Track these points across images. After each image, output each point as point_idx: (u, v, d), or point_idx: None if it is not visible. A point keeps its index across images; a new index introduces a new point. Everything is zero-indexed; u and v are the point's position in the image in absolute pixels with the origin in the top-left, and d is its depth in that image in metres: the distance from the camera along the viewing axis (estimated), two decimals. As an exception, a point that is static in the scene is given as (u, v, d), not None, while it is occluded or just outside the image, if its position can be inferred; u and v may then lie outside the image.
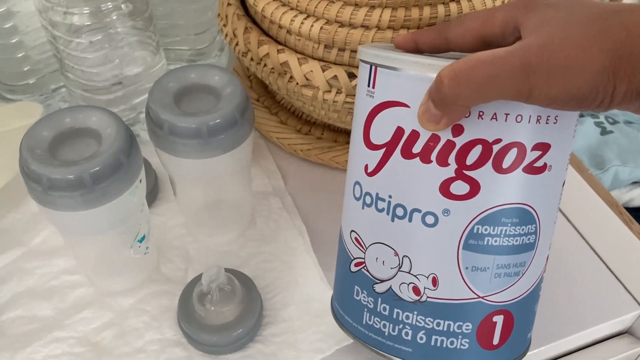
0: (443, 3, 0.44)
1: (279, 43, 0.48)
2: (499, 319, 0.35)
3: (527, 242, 0.34)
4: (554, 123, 0.32)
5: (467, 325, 0.35)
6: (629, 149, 1.11)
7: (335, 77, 0.45)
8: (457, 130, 0.31)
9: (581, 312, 0.48)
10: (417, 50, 0.36)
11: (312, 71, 0.46)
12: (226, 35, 0.53)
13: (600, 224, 0.54)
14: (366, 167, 0.35)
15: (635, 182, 1.13)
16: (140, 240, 0.45)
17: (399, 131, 0.32)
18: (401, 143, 0.33)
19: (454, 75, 0.28)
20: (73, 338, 0.45)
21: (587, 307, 0.48)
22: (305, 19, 0.45)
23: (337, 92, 0.46)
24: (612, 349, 0.49)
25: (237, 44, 0.51)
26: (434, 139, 0.32)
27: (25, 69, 0.60)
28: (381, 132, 0.34)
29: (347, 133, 0.58)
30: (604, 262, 0.51)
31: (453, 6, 0.43)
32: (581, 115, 1.17)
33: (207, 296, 0.43)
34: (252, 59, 0.50)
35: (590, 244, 0.53)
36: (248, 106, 0.44)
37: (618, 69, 0.27)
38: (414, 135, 0.32)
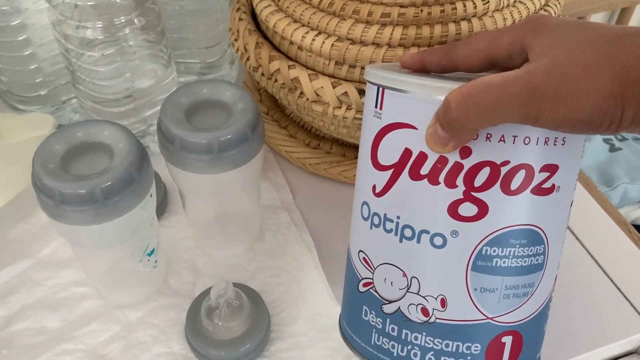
0: (454, 21, 0.44)
1: (290, 59, 0.49)
2: (507, 340, 0.35)
3: (536, 262, 0.34)
4: (562, 145, 0.32)
5: (476, 346, 0.34)
6: (638, 166, 1.10)
7: (345, 93, 0.46)
8: (465, 152, 0.31)
9: (589, 332, 0.47)
10: (423, 69, 0.36)
11: (322, 87, 0.46)
12: (237, 49, 0.53)
13: (608, 242, 0.54)
14: (374, 187, 0.35)
15: (644, 200, 1.12)
16: (150, 254, 0.45)
17: (407, 152, 0.32)
18: (409, 164, 0.33)
19: (461, 99, 0.28)
20: (81, 350, 0.45)
21: (596, 327, 0.48)
22: (316, 35, 0.45)
23: (347, 108, 0.46)
24: (620, 369, 0.49)
25: (248, 59, 0.51)
26: (442, 160, 0.32)
27: (38, 80, 0.60)
28: (389, 153, 0.33)
29: (355, 148, 0.58)
30: (612, 281, 0.51)
31: (464, 25, 0.44)
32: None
33: (215, 311, 0.43)
34: (262, 74, 0.50)
35: (599, 263, 0.52)
36: (259, 122, 0.44)
37: (626, 93, 0.26)
38: (422, 156, 0.32)
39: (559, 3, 0.49)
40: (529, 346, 0.36)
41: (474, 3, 0.44)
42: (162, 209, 0.54)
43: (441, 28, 0.43)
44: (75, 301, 0.48)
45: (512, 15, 0.45)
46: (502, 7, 0.45)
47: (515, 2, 0.46)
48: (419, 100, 0.32)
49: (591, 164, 1.11)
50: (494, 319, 0.34)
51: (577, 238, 0.54)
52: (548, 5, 0.48)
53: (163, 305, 0.48)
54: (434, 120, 0.31)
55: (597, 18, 1.39)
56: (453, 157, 0.31)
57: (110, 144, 0.40)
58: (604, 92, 0.27)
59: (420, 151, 0.32)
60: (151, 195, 0.42)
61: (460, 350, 0.34)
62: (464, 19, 0.44)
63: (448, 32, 0.43)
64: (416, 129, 0.32)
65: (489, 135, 0.31)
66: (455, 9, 0.43)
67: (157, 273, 0.48)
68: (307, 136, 0.59)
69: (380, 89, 0.34)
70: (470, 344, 0.34)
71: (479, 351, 0.34)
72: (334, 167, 0.57)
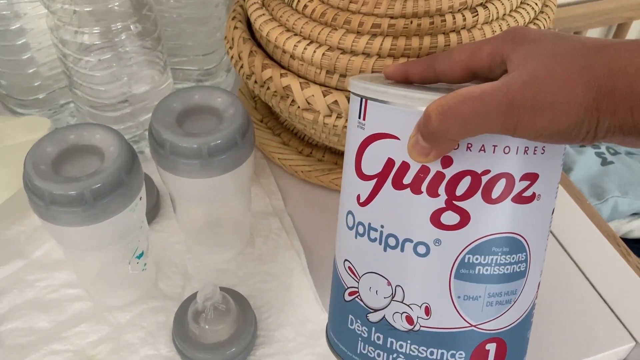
0: (443, 33, 0.44)
1: (283, 67, 0.49)
2: (491, 347, 0.35)
3: (518, 270, 0.35)
4: (542, 153, 0.32)
5: (460, 354, 0.35)
6: (629, 180, 1.11)
7: (335, 102, 0.46)
8: (447, 161, 0.32)
9: (576, 344, 0.48)
10: (406, 80, 0.37)
11: (313, 95, 0.47)
12: (232, 57, 0.54)
13: (597, 255, 0.54)
14: (358, 197, 0.35)
15: (635, 214, 1.12)
16: (139, 257, 0.46)
17: (390, 162, 0.33)
18: (392, 174, 0.33)
19: (441, 110, 0.29)
20: (69, 351, 0.45)
21: (582, 339, 0.48)
22: (308, 44, 0.46)
23: (337, 117, 0.47)
24: (605, 380, 0.49)
25: (242, 67, 0.52)
26: (424, 170, 0.32)
27: (36, 84, 0.61)
28: (372, 163, 0.34)
29: (348, 156, 0.58)
30: (599, 293, 0.51)
31: (453, 36, 0.44)
32: (582, 145, 1.16)
33: (201, 314, 0.44)
34: (255, 82, 0.51)
35: (587, 275, 0.53)
36: (249, 128, 0.44)
37: (601, 104, 0.27)
38: (405, 166, 0.32)
39: (549, 17, 0.49)
40: (513, 353, 0.36)
41: (463, 15, 0.44)
42: (154, 213, 0.55)
43: (430, 39, 0.44)
44: (66, 302, 0.48)
45: (500, 27, 0.46)
46: (491, 20, 0.46)
47: (504, 15, 0.47)
48: (400, 111, 0.32)
49: (583, 177, 1.11)
50: (477, 326, 0.34)
51: (565, 251, 0.55)
52: (537, 19, 0.49)
53: (152, 308, 0.48)
54: (416, 131, 0.31)
55: (593, 33, 1.39)
56: (435, 167, 0.32)
57: (102, 147, 0.41)
58: (579, 103, 0.27)
59: (403, 161, 0.33)
60: (141, 199, 0.42)
61: (444, 358, 0.35)
62: (453, 31, 0.45)
63: (437, 43, 0.44)
64: (398, 139, 0.33)
65: (469, 145, 0.31)
66: (445, 21, 0.44)
67: (147, 276, 0.48)
68: (300, 144, 0.60)
69: (363, 100, 0.34)
70: (454, 352, 0.35)
71: (463, 358, 0.35)
72: (326, 175, 0.57)
